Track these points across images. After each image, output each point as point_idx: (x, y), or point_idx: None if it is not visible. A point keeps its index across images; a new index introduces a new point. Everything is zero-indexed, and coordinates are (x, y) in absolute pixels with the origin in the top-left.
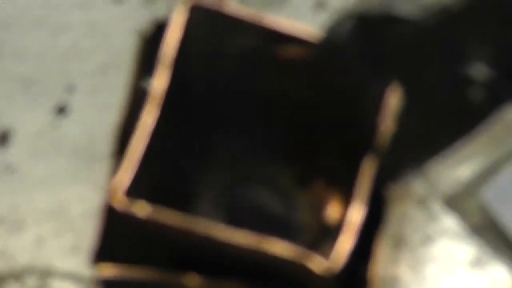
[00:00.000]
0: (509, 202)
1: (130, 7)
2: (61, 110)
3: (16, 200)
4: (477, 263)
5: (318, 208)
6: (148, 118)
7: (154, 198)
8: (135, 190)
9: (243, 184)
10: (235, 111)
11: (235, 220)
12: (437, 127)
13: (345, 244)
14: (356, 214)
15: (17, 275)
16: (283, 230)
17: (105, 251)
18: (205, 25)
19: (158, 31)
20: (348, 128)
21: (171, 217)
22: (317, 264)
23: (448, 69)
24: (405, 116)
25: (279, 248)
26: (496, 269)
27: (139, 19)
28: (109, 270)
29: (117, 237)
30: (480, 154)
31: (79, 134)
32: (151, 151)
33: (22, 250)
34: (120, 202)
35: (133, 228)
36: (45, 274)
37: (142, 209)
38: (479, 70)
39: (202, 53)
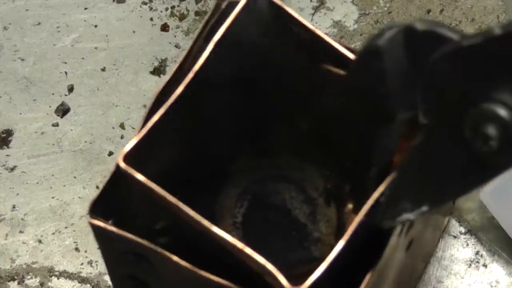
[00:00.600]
0: (509, 202)
1: (130, 7)
2: (61, 110)
3: (16, 200)
4: (476, 262)
5: (341, 227)
6: (178, 91)
7: (158, 172)
8: (135, 159)
9: (271, 182)
10: (271, 105)
11: (256, 215)
12: (448, 171)
13: (318, 271)
14: (339, 243)
15: (17, 275)
16: (301, 237)
17: (101, 206)
18: (261, 14)
19: (228, 9)
20: (378, 151)
21: (163, 194)
22: (286, 283)
23: (473, 104)
24: (418, 150)
25: (258, 257)
26: (496, 269)
27: (139, 19)
28: (101, 225)
29: (116, 196)
30: None
31: (79, 134)
32: (165, 124)
33: (22, 250)
34: (123, 166)
35: (132, 192)
36: (45, 274)
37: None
38: (503, 112)
39: (250, 39)
